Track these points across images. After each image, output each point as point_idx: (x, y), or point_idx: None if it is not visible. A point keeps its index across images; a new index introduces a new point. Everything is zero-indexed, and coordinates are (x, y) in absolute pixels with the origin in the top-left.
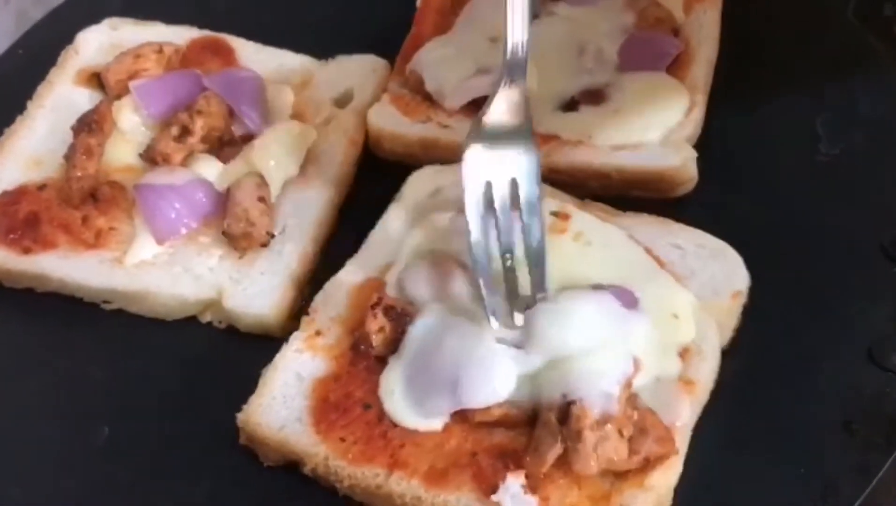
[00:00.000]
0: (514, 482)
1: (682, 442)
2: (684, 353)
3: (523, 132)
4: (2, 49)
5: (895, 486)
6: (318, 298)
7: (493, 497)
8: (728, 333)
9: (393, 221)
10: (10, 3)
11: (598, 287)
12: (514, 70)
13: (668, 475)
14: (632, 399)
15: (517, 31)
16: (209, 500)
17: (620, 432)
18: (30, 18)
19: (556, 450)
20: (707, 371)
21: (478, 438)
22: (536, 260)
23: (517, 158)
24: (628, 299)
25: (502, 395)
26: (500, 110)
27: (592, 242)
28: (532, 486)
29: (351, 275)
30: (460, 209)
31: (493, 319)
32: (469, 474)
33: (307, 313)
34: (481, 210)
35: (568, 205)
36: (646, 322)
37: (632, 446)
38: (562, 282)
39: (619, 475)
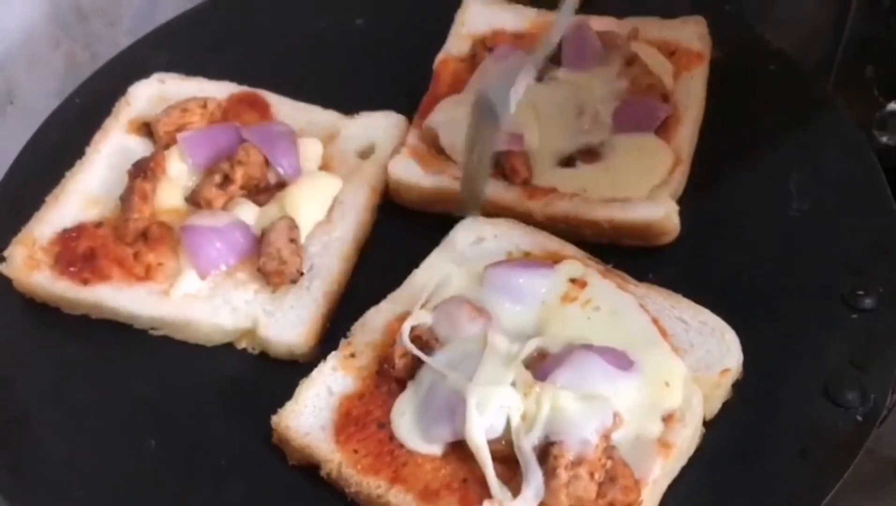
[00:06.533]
0: None
1: (651, 496)
2: (668, 418)
3: None
4: (52, 89)
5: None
6: (358, 324)
7: None
8: (715, 405)
9: (435, 263)
10: (60, 48)
11: (589, 347)
12: None
13: None
14: (608, 449)
15: None
16: (243, 495)
17: (592, 475)
18: (78, 63)
19: None
20: (685, 437)
21: (471, 467)
22: None
23: None
24: (622, 362)
25: (497, 431)
26: None
27: (601, 309)
28: None
29: (390, 306)
30: (494, 263)
31: None
32: (457, 497)
33: (345, 337)
34: None
35: (590, 271)
36: (637, 384)
37: (600, 490)
38: (564, 343)
39: None
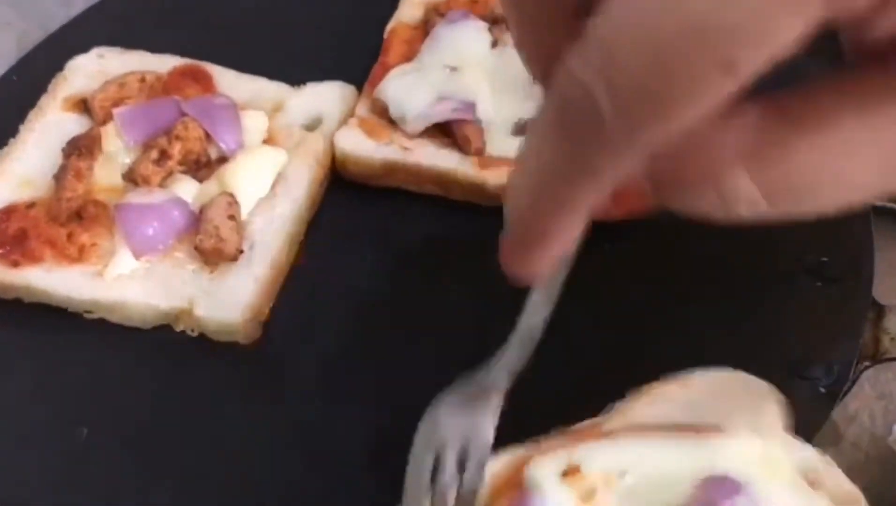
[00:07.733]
0: None
1: None
2: None
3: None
4: (1, 71)
5: None
6: None
7: None
8: None
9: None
10: (11, 26)
11: None
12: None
13: None
14: None
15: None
16: (174, 495)
17: None
18: (31, 40)
19: None
20: None
21: None
22: None
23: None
24: None
25: None
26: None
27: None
28: None
29: None
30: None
31: None
32: None
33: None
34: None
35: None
36: None
37: None
38: None
39: None
